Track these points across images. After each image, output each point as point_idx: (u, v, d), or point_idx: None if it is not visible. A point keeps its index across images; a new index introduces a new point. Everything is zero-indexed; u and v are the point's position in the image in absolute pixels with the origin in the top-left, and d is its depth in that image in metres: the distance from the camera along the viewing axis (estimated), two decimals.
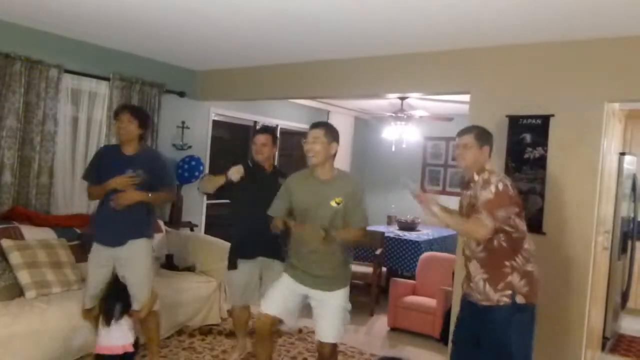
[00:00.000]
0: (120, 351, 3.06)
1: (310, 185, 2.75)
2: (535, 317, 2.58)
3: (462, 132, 2.66)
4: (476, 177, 2.58)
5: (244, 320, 3.61)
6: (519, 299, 2.48)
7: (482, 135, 2.63)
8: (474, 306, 2.61)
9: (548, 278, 2.81)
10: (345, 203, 2.67)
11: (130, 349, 3.11)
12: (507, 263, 2.50)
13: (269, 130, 3.54)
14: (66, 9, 3.43)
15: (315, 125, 2.75)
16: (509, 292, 2.48)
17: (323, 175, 2.74)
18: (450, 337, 2.88)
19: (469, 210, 2.60)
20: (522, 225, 2.55)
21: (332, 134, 2.73)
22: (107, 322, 3.05)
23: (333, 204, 2.65)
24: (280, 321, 2.85)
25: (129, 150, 3.18)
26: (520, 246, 2.53)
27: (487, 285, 2.52)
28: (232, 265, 3.43)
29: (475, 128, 2.67)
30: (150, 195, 3.10)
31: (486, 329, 2.55)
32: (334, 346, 2.80)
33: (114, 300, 3.08)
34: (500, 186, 2.45)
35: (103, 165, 3.21)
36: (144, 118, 3.23)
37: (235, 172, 3.25)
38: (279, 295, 2.79)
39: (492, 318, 2.52)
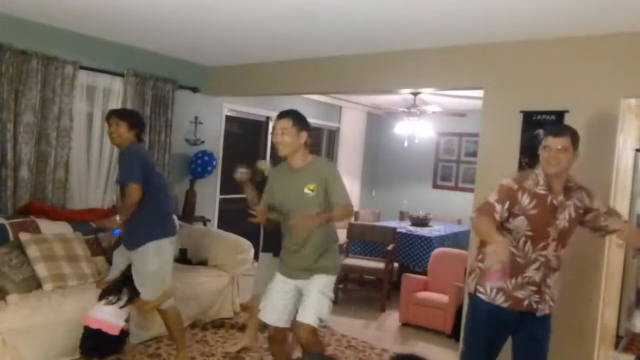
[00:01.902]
0: (108, 329, 3.06)
1: (286, 176, 2.74)
2: None
3: (560, 133, 2.35)
4: (570, 184, 2.45)
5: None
6: None
7: (577, 139, 2.39)
8: (532, 316, 2.45)
9: (561, 275, 2.78)
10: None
11: (114, 332, 3.09)
12: None
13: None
14: (81, 6, 3.47)
15: (282, 115, 2.66)
16: None
17: (296, 164, 2.69)
18: None
19: (576, 220, 2.44)
20: None
21: (301, 122, 2.65)
22: (111, 300, 3.11)
23: (307, 190, 2.62)
24: (290, 328, 2.84)
25: None
26: None
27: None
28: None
29: (571, 129, 2.39)
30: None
31: (546, 334, 2.50)
32: (310, 332, 2.66)
33: (129, 284, 3.15)
34: None
35: None
36: (131, 119, 3.20)
37: (238, 173, 3.31)
38: (280, 305, 2.76)
39: (551, 321, 2.51)
